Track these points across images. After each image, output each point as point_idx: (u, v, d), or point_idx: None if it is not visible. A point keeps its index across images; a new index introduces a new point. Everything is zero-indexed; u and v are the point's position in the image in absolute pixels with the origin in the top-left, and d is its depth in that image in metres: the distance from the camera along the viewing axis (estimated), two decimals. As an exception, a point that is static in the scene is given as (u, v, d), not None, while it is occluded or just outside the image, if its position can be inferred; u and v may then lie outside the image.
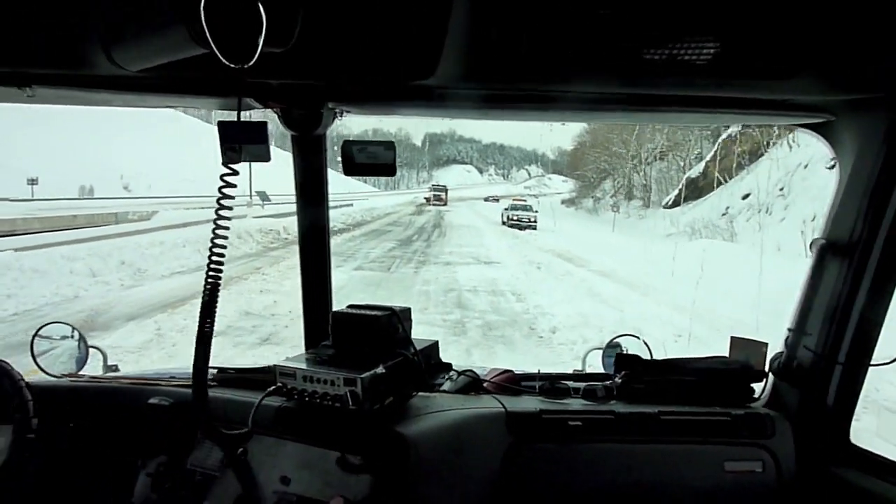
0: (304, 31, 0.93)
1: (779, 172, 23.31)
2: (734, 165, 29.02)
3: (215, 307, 1.31)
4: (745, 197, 25.63)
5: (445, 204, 54.41)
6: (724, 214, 26.04)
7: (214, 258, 1.26)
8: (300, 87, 1.58)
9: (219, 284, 1.29)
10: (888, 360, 1.58)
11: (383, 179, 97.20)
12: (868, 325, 1.61)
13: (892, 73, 1.30)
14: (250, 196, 27.49)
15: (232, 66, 0.88)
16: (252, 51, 0.87)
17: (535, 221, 32.59)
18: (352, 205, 36.69)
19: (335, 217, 26.75)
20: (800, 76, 1.31)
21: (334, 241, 19.00)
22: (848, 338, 1.64)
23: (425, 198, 57.25)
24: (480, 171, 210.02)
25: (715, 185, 30.01)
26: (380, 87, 1.56)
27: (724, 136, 30.48)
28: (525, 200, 41.55)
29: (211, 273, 1.27)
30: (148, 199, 33.77)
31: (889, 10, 1.02)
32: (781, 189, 22.55)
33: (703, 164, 33.35)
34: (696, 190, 32.41)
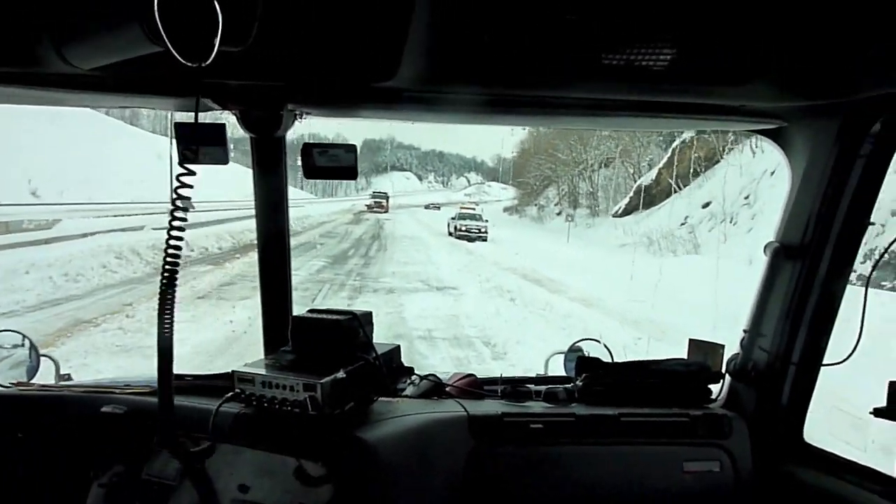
0: (263, 30, 0.91)
1: (742, 179, 22.11)
2: (690, 172, 28.01)
3: (172, 308, 1.21)
4: (706, 205, 24.28)
5: (386, 211, 52.46)
6: (682, 224, 24.63)
7: (169, 260, 1.17)
8: (259, 89, 1.54)
9: (174, 287, 1.19)
10: (840, 360, 1.63)
11: (320, 185, 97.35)
12: (820, 326, 1.67)
13: (842, 81, 1.35)
14: (171, 203, 24.47)
15: (188, 64, 0.85)
16: (209, 50, 0.84)
17: (485, 232, 29.90)
18: (285, 213, 33.54)
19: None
20: (753, 82, 1.36)
21: (249, 262, 13.96)
22: (801, 338, 1.69)
23: (366, 205, 54.69)
24: (420, 179, 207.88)
25: (670, 193, 28.97)
26: (341, 88, 1.54)
27: (677, 141, 29.49)
28: (474, 209, 38.46)
29: (165, 276, 1.18)
30: (59, 206, 30.09)
31: (839, 19, 1.05)
32: (747, 197, 21.23)
33: (655, 170, 32.21)
34: (648, 197, 31.18)
